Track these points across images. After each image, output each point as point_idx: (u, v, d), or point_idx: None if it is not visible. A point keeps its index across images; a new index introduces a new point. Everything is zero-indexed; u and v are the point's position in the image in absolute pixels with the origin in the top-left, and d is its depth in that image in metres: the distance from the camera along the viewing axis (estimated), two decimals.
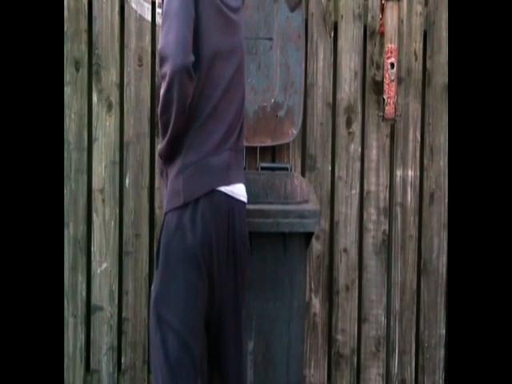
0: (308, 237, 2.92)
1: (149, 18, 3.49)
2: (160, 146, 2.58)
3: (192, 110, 2.50)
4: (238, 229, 2.55)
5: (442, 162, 3.57)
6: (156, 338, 2.48)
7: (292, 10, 3.43)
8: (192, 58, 2.44)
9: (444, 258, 3.59)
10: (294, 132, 3.46)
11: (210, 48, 2.51)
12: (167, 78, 2.43)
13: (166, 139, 2.53)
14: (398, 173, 3.57)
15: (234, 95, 2.59)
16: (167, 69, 2.43)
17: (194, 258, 2.46)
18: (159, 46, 2.48)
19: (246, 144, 3.44)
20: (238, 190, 2.57)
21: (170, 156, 2.55)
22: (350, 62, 3.55)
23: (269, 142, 3.48)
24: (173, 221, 2.50)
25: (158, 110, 2.52)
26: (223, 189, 2.52)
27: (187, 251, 2.47)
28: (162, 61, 2.45)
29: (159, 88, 2.50)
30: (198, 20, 2.48)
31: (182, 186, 2.50)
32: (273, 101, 3.45)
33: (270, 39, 3.45)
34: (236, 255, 2.55)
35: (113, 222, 3.52)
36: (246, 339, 2.91)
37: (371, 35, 3.54)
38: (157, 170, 3.36)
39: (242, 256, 2.58)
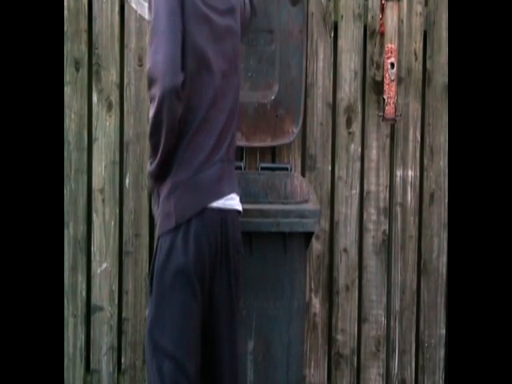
0: (308, 237, 2.92)
1: (149, 18, 3.49)
2: (150, 167, 2.54)
3: (180, 124, 2.47)
4: (231, 238, 2.53)
5: (441, 162, 3.57)
6: (152, 363, 2.46)
7: (293, 4, 3.42)
8: (181, 77, 2.41)
9: (444, 258, 3.59)
10: (295, 131, 3.46)
11: (195, 57, 2.47)
12: (156, 100, 2.40)
13: (156, 160, 2.49)
14: (398, 173, 3.57)
15: (223, 103, 2.55)
16: (156, 91, 2.40)
17: (188, 279, 2.44)
18: (147, 66, 2.45)
19: (245, 143, 3.46)
20: (231, 201, 2.54)
21: (160, 176, 2.52)
22: (349, 62, 3.55)
23: (269, 141, 3.47)
24: (166, 244, 2.47)
25: (148, 131, 2.50)
26: (215, 204, 2.50)
27: (180, 274, 2.44)
28: (151, 83, 2.42)
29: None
30: (183, 29, 2.44)
31: (174, 207, 2.47)
32: (273, 98, 3.44)
33: (271, 32, 3.43)
34: (230, 264, 2.54)
35: (113, 222, 3.52)
36: (246, 340, 2.91)
37: (371, 35, 3.54)
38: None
39: (237, 262, 2.57)
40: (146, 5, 3.46)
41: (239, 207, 2.58)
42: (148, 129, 2.50)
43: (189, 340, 2.46)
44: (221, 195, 2.51)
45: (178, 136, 2.47)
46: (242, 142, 3.42)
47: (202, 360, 2.51)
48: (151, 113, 2.43)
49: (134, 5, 3.48)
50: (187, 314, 2.45)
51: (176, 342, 2.44)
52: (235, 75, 2.61)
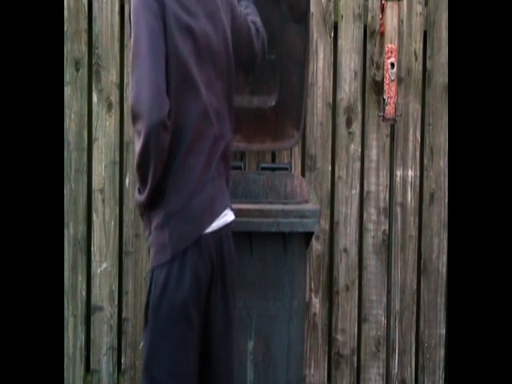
0: (308, 237, 2.92)
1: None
2: (140, 196, 2.41)
3: (169, 147, 2.34)
4: (226, 253, 2.46)
5: (441, 162, 3.57)
6: None
7: (297, 21, 3.36)
8: (167, 107, 2.28)
9: (444, 258, 3.59)
10: (296, 134, 3.43)
11: (179, 72, 2.34)
12: (142, 136, 2.27)
13: (147, 190, 2.37)
14: (398, 173, 3.57)
15: (212, 116, 2.43)
16: (141, 128, 2.27)
17: (184, 312, 2.37)
18: (131, 98, 2.31)
19: (245, 147, 3.44)
20: (224, 217, 2.46)
21: (152, 205, 2.40)
22: (350, 62, 3.55)
23: (269, 144, 3.44)
24: (161, 277, 2.37)
25: (135, 163, 2.38)
26: (210, 229, 2.41)
27: (177, 307, 2.36)
28: (136, 118, 2.29)
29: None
30: (166, 44, 2.31)
31: (168, 239, 2.37)
32: (273, 103, 3.42)
33: (273, 40, 3.32)
34: (226, 278, 2.47)
35: (113, 222, 3.52)
36: (246, 340, 2.91)
37: (371, 35, 3.54)
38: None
39: (232, 273, 2.50)
40: None
41: (232, 217, 2.51)
42: (135, 161, 2.37)
43: (186, 373, 2.40)
44: (215, 217, 2.43)
45: (168, 159, 2.35)
46: (242, 145, 3.40)
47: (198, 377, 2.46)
48: (137, 147, 2.30)
49: None
50: (184, 347, 2.38)
51: (173, 375, 2.38)
52: (222, 81, 2.48)
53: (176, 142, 2.34)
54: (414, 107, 3.57)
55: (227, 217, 2.48)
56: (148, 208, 2.42)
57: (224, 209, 2.47)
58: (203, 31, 2.41)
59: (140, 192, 2.42)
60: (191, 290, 2.37)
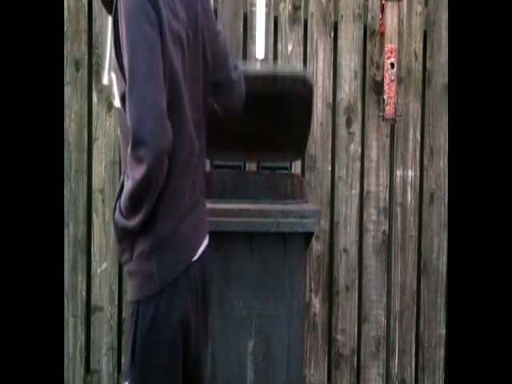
0: (308, 237, 2.92)
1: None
2: (125, 222, 2.15)
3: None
4: (208, 278, 2.34)
5: (441, 162, 3.57)
6: None
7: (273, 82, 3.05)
8: (171, 133, 2.07)
9: (444, 258, 3.59)
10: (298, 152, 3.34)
11: (171, 88, 2.12)
12: (145, 164, 2.03)
13: (138, 218, 2.13)
14: (398, 173, 3.57)
15: (195, 130, 2.24)
16: (145, 155, 2.02)
17: (174, 344, 2.22)
18: (132, 123, 2.03)
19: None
20: (205, 241, 2.33)
21: (140, 232, 2.16)
22: (350, 62, 3.55)
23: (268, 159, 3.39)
24: (149, 311, 2.18)
25: (129, 190, 2.10)
26: (197, 255, 2.26)
27: (167, 343, 2.20)
28: (138, 144, 2.03)
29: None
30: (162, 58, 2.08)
31: (156, 269, 2.16)
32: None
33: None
34: (207, 303, 2.36)
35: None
36: (246, 340, 2.91)
37: (371, 35, 3.54)
38: None
39: (211, 291, 2.40)
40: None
41: (207, 239, 2.36)
42: (129, 189, 2.09)
43: None
44: (201, 243, 2.30)
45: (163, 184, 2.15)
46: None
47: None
48: (137, 176, 2.05)
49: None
50: (174, 376, 2.26)
51: None
52: (200, 92, 2.29)
53: (170, 165, 2.13)
54: (414, 107, 3.57)
55: (206, 239, 2.36)
56: (134, 235, 2.17)
57: (207, 233, 2.35)
58: (189, 40, 2.20)
59: (125, 217, 2.15)
60: (181, 320, 2.22)
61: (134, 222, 2.13)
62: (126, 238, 2.19)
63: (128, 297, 2.33)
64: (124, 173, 2.18)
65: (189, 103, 2.20)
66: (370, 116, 3.56)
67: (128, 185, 2.11)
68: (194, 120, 2.24)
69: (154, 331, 2.19)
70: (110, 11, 2.17)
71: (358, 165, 3.57)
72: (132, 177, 2.08)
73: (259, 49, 3.50)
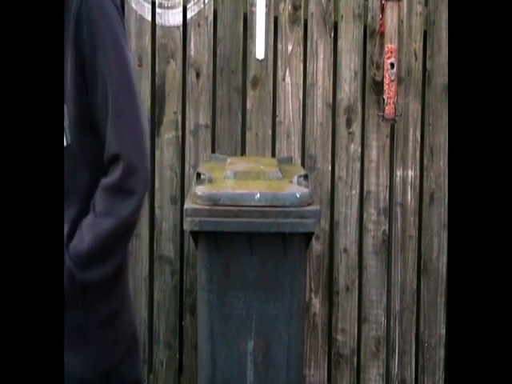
0: (308, 237, 2.92)
1: (149, 18, 3.49)
2: (89, 275, 1.88)
3: None
4: None
5: (441, 162, 3.57)
6: None
7: None
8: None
9: (444, 258, 3.59)
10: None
11: None
12: (136, 195, 1.83)
13: (107, 270, 1.89)
14: (398, 173, 3.58)
15: None
16: (137, 184, 1.83)
17: None
18: (130, 147, 1.84)
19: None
20: None
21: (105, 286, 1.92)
22: (349, 62, 3.55)
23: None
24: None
25: (105, 232, 1.84)
26: None
27: None
28: (131, 172, 1.82)
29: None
30: None
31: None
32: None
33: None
34: None
35: None
36: (246, 340, 2.91)
37: (371, 35, 3.54)
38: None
39: None
40: (146, 5, 3.46)
41: None
42: (108, 228, 1.84)
43: None
44: None
45: None
46: None
47: None
48: (126, 211, 1.83)
49: (133, 5, 3.48)
50: None
51: None
52: None
53: None
54: (414, 107, 3.57)
55: None
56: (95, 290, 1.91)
57: None
58: None
59: (88, 267, 1.88)
60: None
61: (104, 271, 1.87)
62: (82, 295, 1.91)
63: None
64: (89, 206, 1.89)
65: None
66: (370, 116, 3.56)
67: (103, 223, 1.84)
68: None
69: None
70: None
71: (358, 165, 3.57)
72: (116, 213, 1.83)
73: (259, 49, 3.50)
